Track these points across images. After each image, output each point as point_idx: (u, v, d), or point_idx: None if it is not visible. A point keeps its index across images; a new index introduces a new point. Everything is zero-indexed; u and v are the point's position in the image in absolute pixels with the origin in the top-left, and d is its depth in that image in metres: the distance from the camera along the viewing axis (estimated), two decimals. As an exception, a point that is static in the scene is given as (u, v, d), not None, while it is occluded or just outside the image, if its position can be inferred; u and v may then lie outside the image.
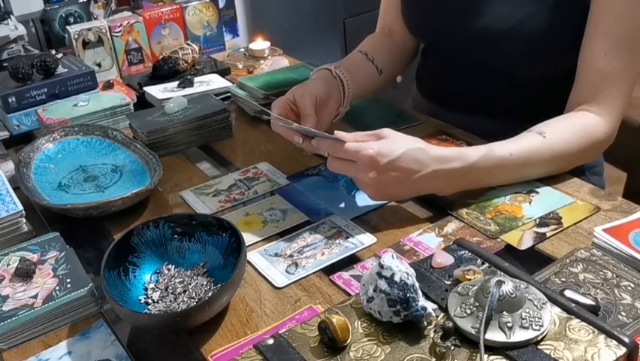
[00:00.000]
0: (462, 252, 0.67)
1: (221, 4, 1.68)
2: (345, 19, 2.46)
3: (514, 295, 0.56)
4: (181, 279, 0.76)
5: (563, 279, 0.69)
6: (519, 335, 0.54)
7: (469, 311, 0.57)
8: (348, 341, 0.57)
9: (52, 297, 0.74)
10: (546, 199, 0.87)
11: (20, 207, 0.88)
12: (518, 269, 0.63)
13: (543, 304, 0.57)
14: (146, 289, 0.75)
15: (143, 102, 1.31)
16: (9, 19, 1.59)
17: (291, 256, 0.81)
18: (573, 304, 0.58)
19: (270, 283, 0.76)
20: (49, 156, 1.06)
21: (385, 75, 1.16)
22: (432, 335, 0.57)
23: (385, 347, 0.57)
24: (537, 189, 0.89)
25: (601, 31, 0.88)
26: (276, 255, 0.81)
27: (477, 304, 0.57)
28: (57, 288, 0.75)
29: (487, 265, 0.65)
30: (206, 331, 0.70)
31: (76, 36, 1.44)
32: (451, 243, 0.71)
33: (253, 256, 0.81)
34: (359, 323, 0.60)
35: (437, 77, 1.18)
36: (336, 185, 0.96)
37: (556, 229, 0.81)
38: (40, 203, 0.92)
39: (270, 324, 0.70)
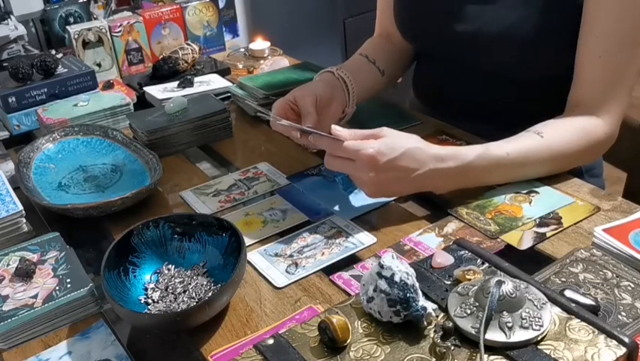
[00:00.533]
0: (462, 252, 0.67)
1: (221, 4, 1.68)
2: (345, 19, 2.46)
3: (514, 295, 0.56)
4: (181, 279, 0.76)
5: (563, 279, 0.69)
6: (519, 335, 0.54)
7: (469, 311, 0.57)
8: (348, 341, 0.57)
9: (52, 297, 0.74)
10: (546, 199, 0.87)
11: (20, 207, 0.88)
12: (518, 269, 0.63)
13: (543, 304, 0.57)
14: (146, 289, 0.75)
15: (143, 102, 1.31)
16: (9, 19, 1.59)
17: (291, 256, 0.81)
18: (573, 304, 0.58)
19: (270, 283, 0.76)
20: (49, 156, 1.06)
21: (387, 76, 1.16)
22: (432, 335, 0.57)
23: (385, 347, 0.57)
24: (537, 189, 0.89)
25: (595, 33, 0.88)
26: (276, 255, 0.81)
27: (477, 304, 0.57)
28: (57, 288, 0.75)
29: (487, 265, 0.65)
30: (206, 331, 0.70)
31: (76, 36, 1.44)
32: (451, 243, 0.71)
33: (253, 256, 0.81)
34: (359, 323, 0.60)
35: (432, 82, 1.18)
36: (336, 185, 0.96)
37: (556, 229, 0.81)
38: (40, 203, 0.92)
39: (270, 324, 0.70)
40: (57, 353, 0.69)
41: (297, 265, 0.79)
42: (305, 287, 0.75)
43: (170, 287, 0.75)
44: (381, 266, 0.59)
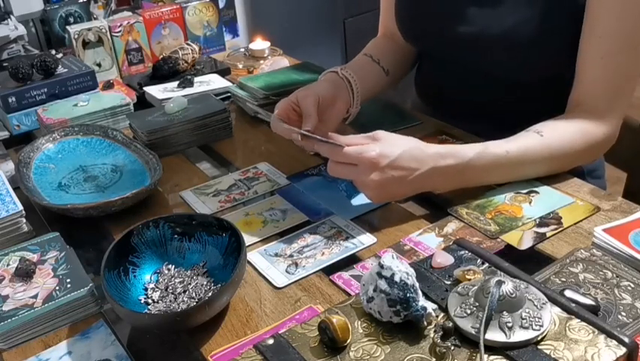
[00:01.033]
0: (462, 252, 0.67)
1: (221, 4, 1.68)
2: (345, 19, 2.46)
3: (514, 295, 0.56)
4: (181, 279, 0.76)
5: (563, 279, 0.69)
6: (519, 335, 0.54)
7: (469, 311, 0.57)
8: (348, 341, 0.57)
9: (52, 297, 0.74)
10: (546, 199, 0.87)
11: (20, 207, 0.88)
12: (518, 269, 0.63)
13: (543, 304, 0.57)
14: (146, 289, 0.75)
15: (143, 102, 1.31)
16: (9, 19, 1.59)
17: (291, 256, 0.81)
18: (573, 304, 0.58)
19: (270, 283, 0.76)
20: (49, 156, 1.06)
21: (392, 76, 1.16)
22: (432, 335, 0.57)
23: (385, 347, 0.57)
24: (537, 189, 0.89)
25: (597, 34, 0.88)
26: (276, 255, 0.81)
27: (477, 304, 0.57)
28: (57, 288, 0.75)
29: (487, 265, 0.65)
30: (206, 331, 0.70)
31: (76, 36, 1.44)
32: (451, 243, 0.71)
33: (253, 256, 0.81)
34: (359, 323, 0.60)
35: (433, 82, 1.18)
36: (335, 185, 0.96)
37: (556, 229, 0.81)
38: (40, 203, 0.92)
39: (270, 324, 0.70)
40: (57, 353, 0.69)
41: (297, 265, 0.79)
42: (305, 287, 0.75)
43: (170, 287, 0.75)
44: (381, 266, 0.59)
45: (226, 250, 0.77)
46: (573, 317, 0.56)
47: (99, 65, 1.48)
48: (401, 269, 0.58)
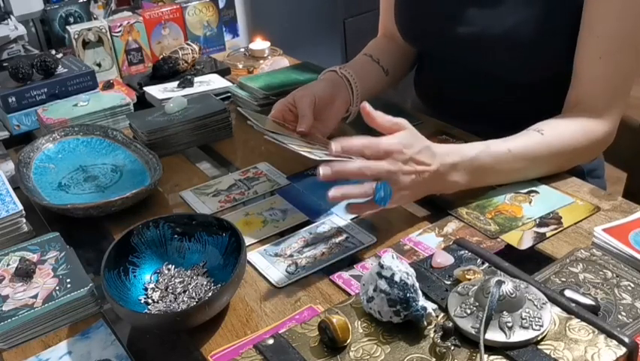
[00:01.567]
0: (462, 252, 0.67)
1: (221, 4, 1.68)
2: (345, 19, 2.46)
3: (514, 295, 0.56)
4: (181, 279, 0.76)
5: (563, 279, 0.69)
6: (519, 335, 0.54)
7: (469, 311, 0.57)
8: (348, 341, 0.57)
9: (52, 297, 0.74)
10: (546, 199, 0.87)
11: (20, 207, 0.88)
12: (518, 269, 0.63)
13: (543, 304, 0.57)
14: (146, 289, 0.75)
15: (143, 102, 1.31)
16: (9, 19, 1.59)
17: (291, 256, 0.81)
18: (573, 304, 0.58)
19: (270, 283, 0.76)
20: (49, 156, 1.06)
21: (391, 76, 1.16)
22: (432, 335, 0.57)
23: (385, 347, 0.57)
24: (537, 189, 0.89)
25: (595, 33, 0.88)
26: (276, 255, 0.81)
27: (477, 304, 0.57)
28: (57, 288, 0.75)
29: (487, 265, 0.65)
30: (206, 331, 0.70)
31: (76, 36, 1.44)
32: (451, 243, 0.71)
33: (253, 256, 0.81)
34: (359, 323, 0.60)
35: (432, 82, 1.18)
36: (336, 185, 0.96)
37: (556, 228, 0.81)
38: (40, 203, 0.92)
39: (270, 324, 0.70)
40: (57, 353, 0.69)
41: (297, 265, 0.79)
42: (305, 287, 0.75)
43: (170, 287, 0.75)
44: (381, 266, 0.59)
45: (226, 250, 0.77)
46: (573, 316, 0.56)
47: (99, 65, 1.48)
48: (401, 269, 0.58)
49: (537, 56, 0.94)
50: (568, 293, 0.61)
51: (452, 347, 0.55)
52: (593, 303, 0.62)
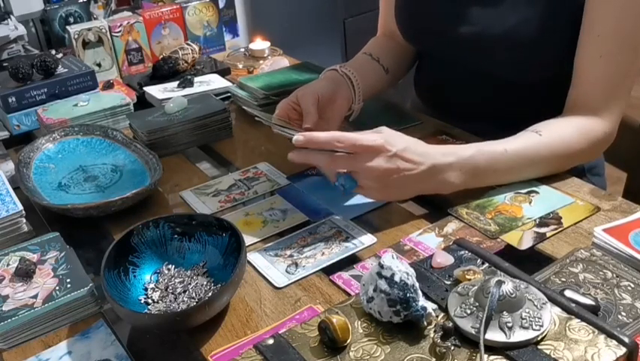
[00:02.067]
0: (462, 252, 0.67)
1: (221, 4, 1.68)
2: (345, 19, 2.46)
3: (514, 295, 0.56)
4: (181, 279, 0.76)
5: (563, 279, 0.69)
6: (519, 335, 0.54)
7: (469, 311, 0.57)
8: (348, 341, 0.57)
9: (52, 297, 0.74)
10: (546, 199, 0.87)
11: (20, 207, 0.88)
12: (518, 269, 0.63)
13: (543, 304, 0.57)
14: (146, 289, 0.75)
15: (143, 102, 1.31)
16: (9, 19, 1.59)
17: (291, 256, 0.81)
18: (573, 304, 0.58)
19: (270, 283, 0.76)
20: (49, 156, 1.06)
21: (392, 74, 1.16)
22: (432, 335, 0.57)
23: (385, 347, 0.57)
24: (537, 189, 0.89)
25: (596, 33, 0.88)
26: (276, 255, 0.81)
27: (477, 304, 0.57)
28: (57, 288, 0.75)
29: (487, 265, 0.65)
30: (206, 331, 0.70)
31: (76, 36, 1.44)
32: (451, 243, 0.71)
33: (253, 256, 0.81)
34: (359, 323, 0.60)
35: (432, 82, 1.18)
36: (336, 185, 0.96)
37: (556, 229, 0.81)
38: (40, 203, 0.92)
39: (270, 324, 0.70)
40: (57, 353, 0.69)
41: (297, 265, 0.79)
42: (305, 287, 0.75)
43: (170, 287, 0.75)
44: (381, 266, 0.59)
45: (226, 250, 0.77)
46: (573, 316, 0.56)
47: (99, 65, 1.48)
48: (401, 269, 0.58)
49: (537, 56, 0.94)
50: (568, 293, 0.61)
51: (452, 347, 0.55)
52: (593, 303, 0.62)
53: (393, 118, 1.16)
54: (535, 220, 0.83)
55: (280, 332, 0.60)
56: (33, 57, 1.31)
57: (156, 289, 0.75)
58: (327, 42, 2.54)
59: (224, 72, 1.44)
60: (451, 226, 0.84)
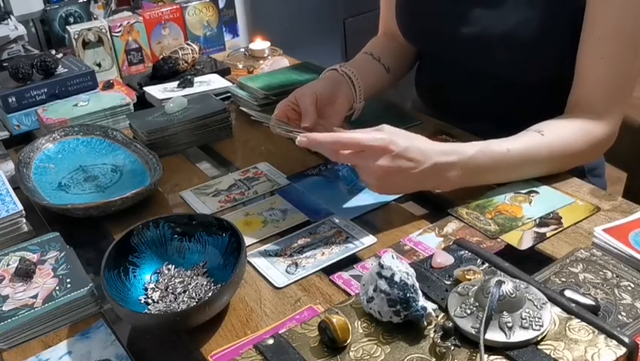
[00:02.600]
0: (462, 252, 0.67)
1: (221, 4, 1.68)
2: (345, 19, 2.46)
3: (514, 295, 0.56)
4: (181, 279, 0.76)
5: (563, 279, 0.69)
6: (519, 335, 0.54)
7: (469, 311, 0.57)
8: (348, 341, 0.57)
9: (52, 297, 0.74)
10: (546, 199, 0.87)
11: (20, 207, 0.88)
12: (518, 269, 0.63)
13: (543, 304, 0.57)
14: (146, 289, 0.75)
15: (143, 102, 1.31)
16: (9, 19, 1.59)
17: (291, 256, 0.81)
18: (573, 304, 0.58)
19: (270, 283, 0.76)
20: (49, 156, 1.06)
21: (393, 74, 1.16)
22: (432, 335, 0.57)
23: (385, 347, 0.57)
24: (537, 189, 0.89)
25: (597, 34, 0.88)
26: (276, 255, 0.81)
27: (477, 304, 0.57)
28: (57, 288, 0.75)
29: (487, 265, 0.65)
30: (206, 331, 0.70)
31: (76, 36, 1.44)
32: (451, 243, 0.71)
33: (253, 256, 0.81)
34: (359, 323, 0.60)
35: (433, 82, 1.18)
36: (336, 185, 0.97)
37: (556, 229, 0.81)
38: (40, 203, 0.92)
39: (270, 324, 0.70)
40: (57, 353, 0.69)
41: (297, 265, 0.79)
42: (305, 287, 0.75)
43: (170, 287, 0.75)
44: (381, 266, 0.59)
45: (226, 250, 0.77)
46: (573, 316, 0.56)
47: (99, 65, 1.48)
48: (401, 269, 0.58)
49: (537, 56, 0.94)
50: (568, 293, 0.61)
51: (452, 347, 0.55)
52: (593, 303, 0.62)
53: (394, 118, 1.16)
54: (535, 220, 0.83)
55: (280, 332, 0.60)
56: (33, 57, 1.31)
57: (156, 289, 0.75)
58: (327, 42, 2.54)
59: (224, 72, 1.44)
60: (451, 226, 0.84)
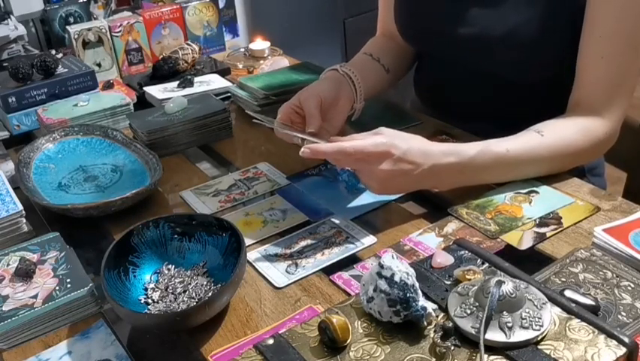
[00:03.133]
0: (462, 252, 0.67)
1: (221, 4, 1.68)
2: (345, 19, 2.46)
3: (514, 295, 0.56)
4: (181, 279, 0.76)
5: (563, 279, 0.69)
6: (519, 335, 0.54)
7: (469, 311, 0.57)
8: (348, 341, 0.57)
9: (52, 297, 0.74)
10: (546, 199, 0.87)
11: (20, 207, 0.88)
12: (518, 269, 0.63)
13: (543, 304, 0.57)
14: (146, 289, 0.75)
15: (143, 102, 1.31)
16: (9, 19, 1.59)
17: (291, 256, 0.81)
18: (573, 304, 0.58)
19: (270, 283, 0.76)
20: (49, 156, 1.06)
21: (392, 74, 1.16)
22: (432, 335, 0.57)
23: (385, 347, 0.57)
24: (537, 189, 0.89)
25: (597, 34, 0.88)
26: (276, 255, 0.81)
27: (477, 304, 0.57)
28: (57, 288, 0.75)
29: (487, 265, 0.65)
30: (206, 331, 0.70)
31: (76, 36, 1.44)
32: (451, 243, 0.71)
33: (253, 256, 0.81)
34: (359, 323, 0.60)
35: (432, 82, 1.18)
36: (336, 185, 0.96)
37: (556, 229, 0.81)
38: (40, 203, 0.92)
39: (270, 324, 0.70)
40: (57, 353, 0.69)
41: (297, 265, 0.79)
42: (305, 287, 0.75)
43: (170, 287, 0.75)
44: (381, 266, 0.59)
45: (226, 250, 0.77)
46: (573, 317, 0.56)
47: (99, 65, 1.48)
48: (401, 269, 0.58)
49: (537, 56, 0.94)
50: (568, 293, 0.61)
51: (452, 347, 0.55)
52: (593, 303, 0.62)
53: (394, 118, 1.16)
54: (535, 220, 0.83)
55: (280, 332, 0.60)
56: (33, 57, 1.31)
57: (156, 289, 0.75)
58: (327, 42, 2.54)
59: (224, 72, 1.44)
60: (451, 226, 0.84)
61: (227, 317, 0.72)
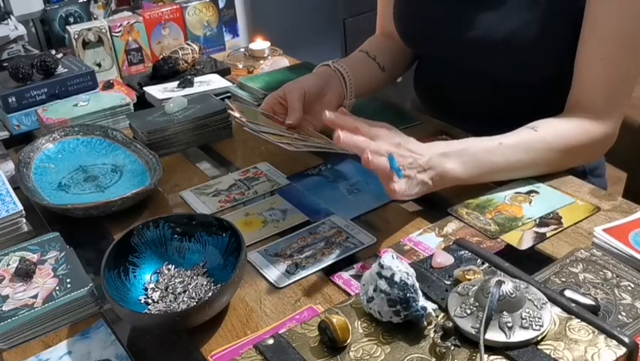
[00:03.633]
0: (462, 252, 0.67)
1: (221, 4, 1.68)
2: (345, 19, 2.46)
3: (514, 295, 0.56)
4: (181, 279, 0.76)
5: (563, 279, 0.69)
6: (519, 335, 0.54)
7: (469, 311, 0.57)
8: (348, 341, 0.57)
9: (52, 297, 0.74)
10: (546, 199, 0.87)
11: (20, 207, 0.88)
12: (518, 269, 0.63)
13: (543, 304, 0.57)
14: (146, 289, 0.75)
15: (143, 102, 1.31)
16: (9, 19, 1.59)
17: (291, 256, 0.81)
18: (573, 304, 0.58)
19: (270, 283, 0.76)
20: (49, 156, 1.06)
21: (388, 73, 1.16)
22: (432, 335, 0.57)
23: (385, 347, 0.57)
24: (537, 189, 0.89)
25: (596, 36, 0.88)
26: (276, 255, 0.81)
27: (477, 304, 0.57)
28: (57, 288, 0.75)
29: (487, 265, 0.65)
30: (206, 331, 0.70)
31: (76, 36, 1.44)
32: (451, 243, 0.71)
33: (253, 256, 0.81)
34: (359, 323, 0.60)
35: (432, 83, 1.18)
36: (336, 185, 0.96)
37: (556, 229, 0.81)
38: (40, 203, 0.92)
39: (270, 324, 0.70)
40: (57, 353, 0.69)
41: (297, 265, 0.79)
42: (305, 287, 0.75)
43: (170, 287, 0.75)
44: (381, 266, 0.59)
45: (226, 250, 0.77)
46: (573, 317, 0.56)
47: (99, 65, 1.48)
48: (401, 269, 0.58)
49: (537, 57, 0.94)
50: (568, 293, 0.62)
51: (452, 347, 0.55)
52: (593, 303, 0.62)
53: (393, 118, 1.16)
54: (535, 220, 0.83)
55: (280, 332, 0.60)
56: (33, 57, 1.31)
57: (156, 289, 0.75)
58: (327, 42, 2.54)
59: (224, 72, 1.44)
60: (451, 226, 0.84)
61: (227, 317, 0.72)
